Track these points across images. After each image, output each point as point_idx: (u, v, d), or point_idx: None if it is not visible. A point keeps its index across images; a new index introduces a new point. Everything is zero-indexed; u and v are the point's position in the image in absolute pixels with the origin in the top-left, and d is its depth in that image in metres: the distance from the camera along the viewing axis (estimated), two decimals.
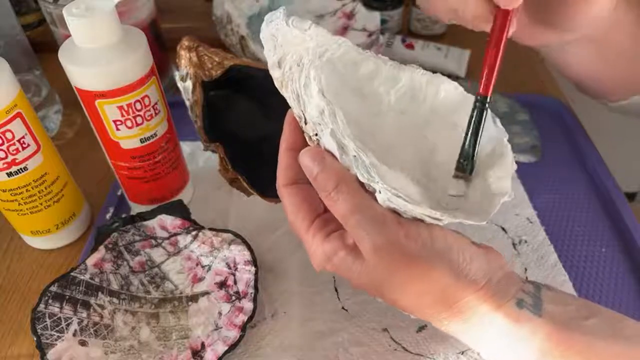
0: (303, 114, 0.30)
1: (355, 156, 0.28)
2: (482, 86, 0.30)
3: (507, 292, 0.29)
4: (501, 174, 0.30)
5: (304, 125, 0.30)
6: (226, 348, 0.36)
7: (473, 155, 0.30)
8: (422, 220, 0.28)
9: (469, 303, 0.28)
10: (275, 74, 0.31)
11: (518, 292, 0.29)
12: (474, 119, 0.30)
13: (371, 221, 0.28)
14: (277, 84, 0.31)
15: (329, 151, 0.29)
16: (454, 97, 0.32)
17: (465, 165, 0.30)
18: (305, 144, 0.31)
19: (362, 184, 0.29)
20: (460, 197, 0.30)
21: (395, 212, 0.28)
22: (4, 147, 0.37)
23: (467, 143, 0.30)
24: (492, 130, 0.31)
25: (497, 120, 0.31)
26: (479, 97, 0.30)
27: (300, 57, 0.30)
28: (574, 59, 0.44)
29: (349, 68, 0.32)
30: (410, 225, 0.28)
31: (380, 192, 0.28)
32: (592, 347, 0.27)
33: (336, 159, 0.29)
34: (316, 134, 0.29)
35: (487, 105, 0.30)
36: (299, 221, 0.31)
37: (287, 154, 0.32)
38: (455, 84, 0.32)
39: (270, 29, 0.30)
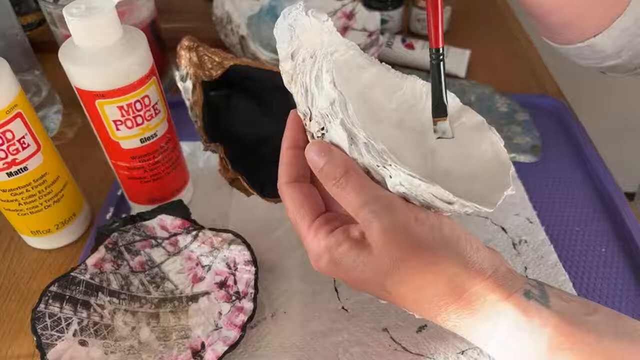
0: (309, 110, 0.30)
1: (366, 143, 0.28)
2: (432, 40, 0.32)
3: (513, 284, 0.28)
4: (502, 172, 0.30)
5: (308, 122, 0.31)
6: (226, 348, 0.36)
7: (443, 99, 0.32)
8: (429, 208, 0.29)
9: (477, 292, 0.28)
10: (286, 66, 0.31)
11: (524, 285, 0.29)
12: (434, 72, 0.32)
13: (381, 205, 0.28)
14: (285, 79, 0.32)
15: (335, 145, 0.30)
16: (451, 107, 0.33)
17: (440, 110, 0.32)
18: (308, 143, 0.31)
19: (369, 175, 0.29)
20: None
21: (404, 198, 0.29)
22: (4, 147, 0.37)
23: (435, 93, 0.32)
24: (490, 135, 0.32)
25: (492, 128, 0.32)
26: (432, 50, 0.32)
27: (314, 50, 0.31)
28: None
29: (354, 73, 0.33)
30: (419, 211, 0.28)
31: (391, 177, 0.28)
32: (599, 342, 0.27)
33: (343, 152, 0.29)
34: (322, 128, 0.30)
35: (441, 56, 0.31)
36: (299, 219, 0.31)
37: (289, 152, 0.32)
38: (453, 94, 0.33)
39: (287, 21, 0.31)
